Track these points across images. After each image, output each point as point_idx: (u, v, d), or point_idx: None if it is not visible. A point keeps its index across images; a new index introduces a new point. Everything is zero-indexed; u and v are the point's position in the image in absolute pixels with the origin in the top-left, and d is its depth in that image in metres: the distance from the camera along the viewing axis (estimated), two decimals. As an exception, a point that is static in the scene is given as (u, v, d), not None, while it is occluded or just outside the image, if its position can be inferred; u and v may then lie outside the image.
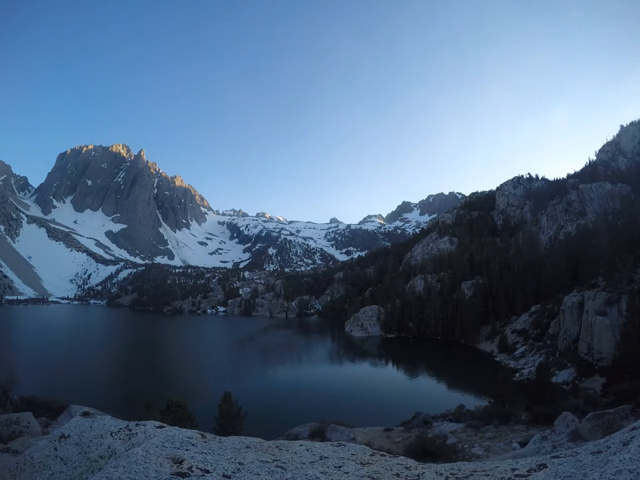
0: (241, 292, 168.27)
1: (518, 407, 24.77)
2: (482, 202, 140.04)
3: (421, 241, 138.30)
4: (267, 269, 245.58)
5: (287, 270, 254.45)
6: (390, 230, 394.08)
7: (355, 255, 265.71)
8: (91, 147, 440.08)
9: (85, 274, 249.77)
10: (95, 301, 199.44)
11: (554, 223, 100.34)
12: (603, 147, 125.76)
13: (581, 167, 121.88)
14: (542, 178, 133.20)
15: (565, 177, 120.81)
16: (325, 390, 44.73)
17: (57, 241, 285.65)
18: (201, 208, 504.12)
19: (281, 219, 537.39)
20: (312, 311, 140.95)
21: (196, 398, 34.25)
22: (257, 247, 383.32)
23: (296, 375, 52.68)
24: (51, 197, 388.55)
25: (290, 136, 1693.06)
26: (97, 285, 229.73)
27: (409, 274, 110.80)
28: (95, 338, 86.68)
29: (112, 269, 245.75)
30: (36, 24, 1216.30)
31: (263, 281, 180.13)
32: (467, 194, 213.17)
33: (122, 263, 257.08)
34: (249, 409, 26.23)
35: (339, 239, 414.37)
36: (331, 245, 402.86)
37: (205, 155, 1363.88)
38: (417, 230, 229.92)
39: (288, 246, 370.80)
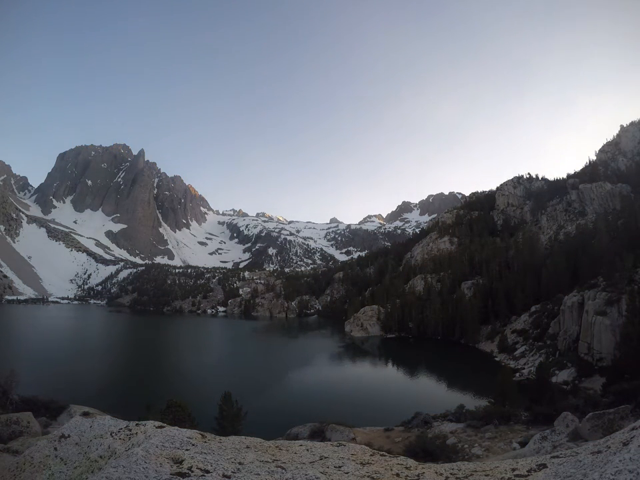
0: (240, 292, 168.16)
1: (518, 407, 24.77)
2: (482, 202, 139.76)
3: (420, 241, 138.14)
4: (267, 269, 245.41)
5: (287, 270, 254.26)
6: (390, 230, 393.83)
7: (355, 255, 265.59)
8: (91, 146, 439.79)
9: (84, 274, 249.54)
10: (95, 301, 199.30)
11: (554, 223, 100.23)
12: (602, 147, 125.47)
13: (581, 167, 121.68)
14: (542, 178, 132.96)
15: (564, 176, 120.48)
16: (324, 390, 44.69)
17: (56, 241, 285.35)
18: (201, 208, 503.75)
19: (280, 219, 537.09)
20: (312, 311, 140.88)
21: (196, 398, 34.22)
22: (257, 247, 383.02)
23: (296, 375, 52.63)
24: (51, 197, 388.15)
25: (290, 136, 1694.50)
26: (96, 285, 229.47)
27: (409, 274, 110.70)
28: (95, 338, 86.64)
29: (112, 268, 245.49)
30: (37, 23, 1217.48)
31: (263, 281, 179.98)
32: (467, 194, 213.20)
33: (122, 263, 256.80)
34: (249, 409, 26.24)
35: (339, 239, 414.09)
36: (331, 245, 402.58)
37: (205, 155, 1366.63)
38: (417, 230, 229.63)
39: (288, 246, 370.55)
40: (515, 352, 54.89)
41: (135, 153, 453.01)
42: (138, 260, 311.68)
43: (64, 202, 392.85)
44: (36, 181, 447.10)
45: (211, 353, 71.23)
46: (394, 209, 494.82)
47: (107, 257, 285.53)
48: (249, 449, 4.93)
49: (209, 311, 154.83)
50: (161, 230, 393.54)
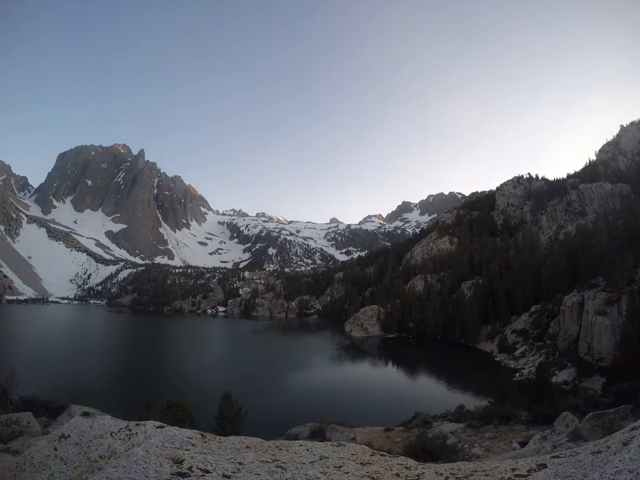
0: (240, 292, 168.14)
1: (518, 407, 24.77)
2: (482, 202, 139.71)
3: (420, 241, 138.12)
4: (267, 269, 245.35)
5: (287, 270, 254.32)
6: (390, 230, 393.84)
7: (355, 255, 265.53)
8: (90, 146, 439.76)
9: (84, 274, 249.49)
10: (95, 301, 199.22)
11: (554, 223, 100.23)
12: (602, 147, 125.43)
13: (581, 167, 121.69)
14: (542, 178, 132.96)
15: (564, 176, 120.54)
16: (324, 390, 44.68)
17: (56, 241, 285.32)
18: (201, 208, 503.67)
19: (280, 219, 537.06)
20: (312, 311, 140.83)
21: (196, 398, 34.21)
22: (257, 247, 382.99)
23: (296, 375, 52.64)
24: (51, 197, 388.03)
25: (290, 136, 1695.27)
26: (96, 285, 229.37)
27: (409, 274, 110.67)
28: (95, 338, 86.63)
29: (112, 268, 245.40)
30: (37, 23, 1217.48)
31: (263, 281, 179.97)
32: (467, 194, 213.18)
33: (122, 263, 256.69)
34: (249, 409, 26.23)
35: (339, 239, 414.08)
36: (331, 245, 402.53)
37: (205, 154, 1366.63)
38: (417, 230, 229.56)
39: (288, 246, 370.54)
40: (515, 352, 54.88)
41: (135, 153, 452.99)
42: (138, 260, 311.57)
43: (64, 202, 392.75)
44: (36, 180, 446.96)
45: (211, 353, 71.21)
46: (394, 209, 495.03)
47: (107, 257, 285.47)
48: (249, 449, 4.93)
49: (209, 310, 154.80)
50: (161, 230, 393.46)
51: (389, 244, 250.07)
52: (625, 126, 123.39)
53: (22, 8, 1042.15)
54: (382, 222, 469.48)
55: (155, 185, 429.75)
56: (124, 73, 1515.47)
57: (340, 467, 4.38)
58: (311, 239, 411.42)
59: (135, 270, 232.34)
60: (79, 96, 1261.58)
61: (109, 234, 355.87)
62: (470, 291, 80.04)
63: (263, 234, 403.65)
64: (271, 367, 58.90)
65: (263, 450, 4.97)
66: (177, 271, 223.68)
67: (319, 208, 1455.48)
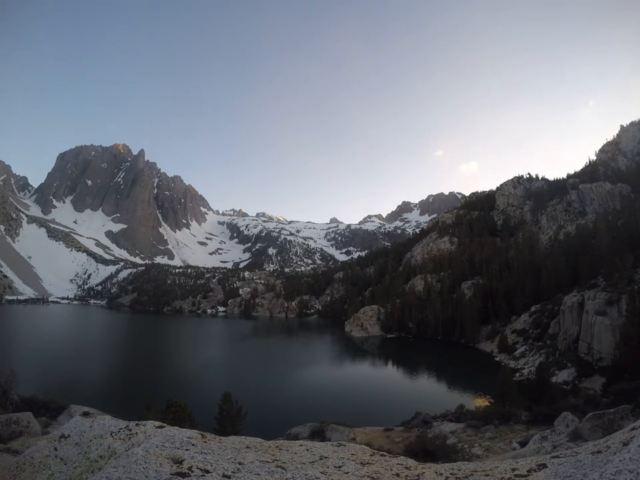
0: (240, 292, 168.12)
1: (518, 407, 24.76)
2: (482, 202, 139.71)
3: (421, 241, 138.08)
4: (267, 269, 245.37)
5: (287, 270, 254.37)
6: (390, 230, 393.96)
7: (355, 255, 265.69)
8: (90, 146, 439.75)
9: (84, 274, 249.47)
10: (95, 301, 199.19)
11: (554, 223, 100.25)
12: (602, 147, 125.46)
13: (581, 167, 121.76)
14: (542, 178, 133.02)
15: (564, 176, 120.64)
16: (324, 390, 44.68)
17: (56, 240, 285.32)
18: (201, 208, 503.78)
19: (280, 218, 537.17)
20: (312, 311, 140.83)
21: (196, 398, 34.22)
22: (257, 247, 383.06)
23: (296, 375, 52.63)
24: (51, 197, 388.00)
25: (290, 136, 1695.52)
26: (96, 285, 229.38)
27: (409, 274, 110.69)
28: (95, 338, 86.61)
29: (112, 268, 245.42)
30: (37, 23, 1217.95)
31: (263, 281, 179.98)
32: (467, 194, 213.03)
33: (122, 263, 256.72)
34: (249, 409, 26.23)
35: (339, 238, 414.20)
36: (331, 245, 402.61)
37: (205, 154, 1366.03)
38: (417, 230, 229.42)
39: (288, 246, 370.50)
40: (515, 352, 54.88)
41: (135, 153, 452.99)
42: (138, 260, 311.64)
43: (64, 202, 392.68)
44: (36, 180, 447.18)
45: (211, 353, 71.20)
46: (394, 209, 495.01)
47: (107, 257, 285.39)
48: (249, 449, 4.93)
49: (208, 310, 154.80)
50: (161, 230, 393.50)
51: (389, 244, 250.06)
52: (624, 126, 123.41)
53: (22, 10, 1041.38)
54: (382, 222, 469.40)
55: (155, 184, 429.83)
56: (124, 73, 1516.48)
57: (340, 466, 4.38)
58: (311, 238, 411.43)
59: (134, 270, 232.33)
60: (78, 96, 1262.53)
61: (109, 234, 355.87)
62: (470, 290, 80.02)
63: (263, 234, 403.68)
64: (270, 367, 58.89)
65: (263, 450, 4.97)
66: (176, 270, 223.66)
67: (319, 208, 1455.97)
